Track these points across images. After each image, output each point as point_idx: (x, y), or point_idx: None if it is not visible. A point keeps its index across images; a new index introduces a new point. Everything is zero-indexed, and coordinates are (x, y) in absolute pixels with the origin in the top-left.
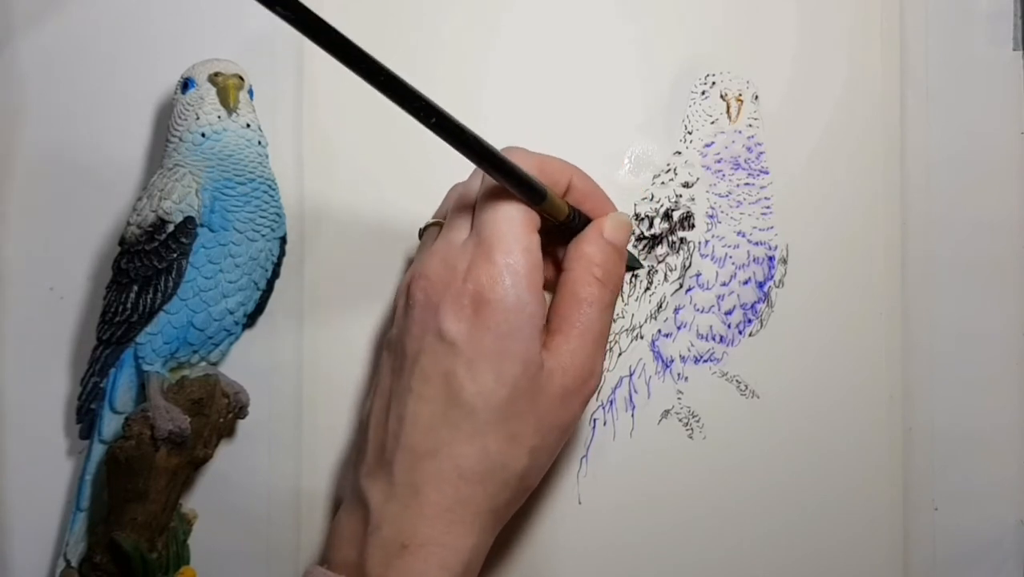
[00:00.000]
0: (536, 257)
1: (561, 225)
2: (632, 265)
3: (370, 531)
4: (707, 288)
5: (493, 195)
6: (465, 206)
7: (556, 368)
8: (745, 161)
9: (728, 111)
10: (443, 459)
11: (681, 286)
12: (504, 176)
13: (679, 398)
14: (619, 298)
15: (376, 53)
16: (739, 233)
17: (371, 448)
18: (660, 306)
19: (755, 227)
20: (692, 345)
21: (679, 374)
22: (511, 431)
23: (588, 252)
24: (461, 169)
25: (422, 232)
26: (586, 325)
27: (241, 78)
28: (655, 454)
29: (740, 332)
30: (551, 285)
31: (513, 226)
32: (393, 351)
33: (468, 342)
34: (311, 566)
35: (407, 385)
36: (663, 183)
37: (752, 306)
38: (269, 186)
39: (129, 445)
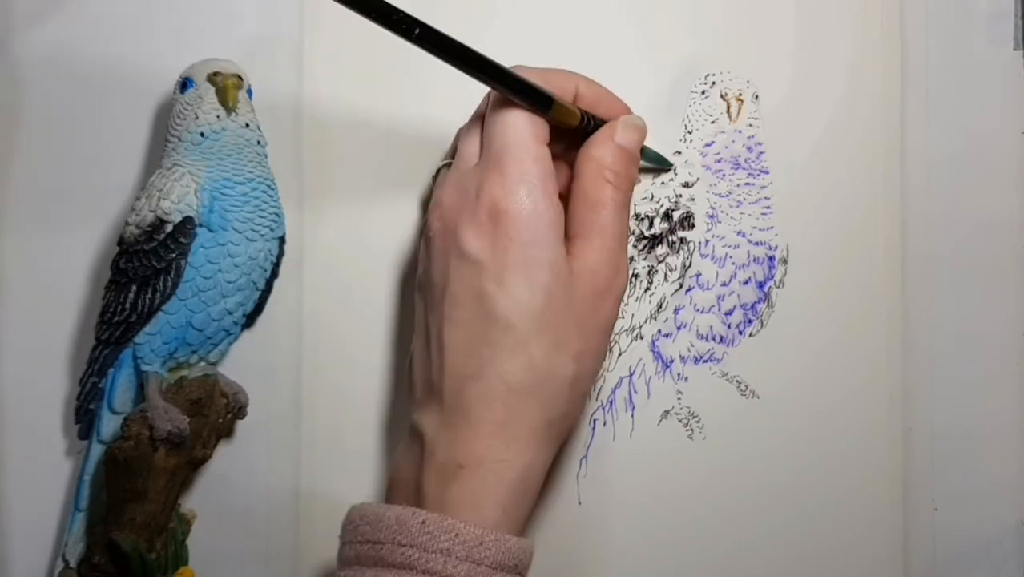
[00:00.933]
0: (548, 165)
1: (577, 131)
2: (661, 165)
3: (426, 457)
4: (707, 288)
5: (499, 110)
6: (472, 130)
7: (583, 270)
8: (745, 161)
9: (728, 111)
10: (489, 378)
11: (681, 286)
12: (505, 86)
13: (679, 398)
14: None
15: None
16: (739, 233)
17: (419, 384)
18: (660, 306)
19: (755, 227)
20: (692, 345)
21: (679, 374)
22: (553, 338)
23: (598, 155)
24: None
25: (435, 176)
26: (604, 226)
27: (240, 78)
28: (655, 454)
29: (740, 332)
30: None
31: (521, 136)
32: (422, 288)
33: (492, 256)
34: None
35: (441, 314)
36: (663, 183)
37: (752, 306)
38: (268, 186)
39: (128, 445)
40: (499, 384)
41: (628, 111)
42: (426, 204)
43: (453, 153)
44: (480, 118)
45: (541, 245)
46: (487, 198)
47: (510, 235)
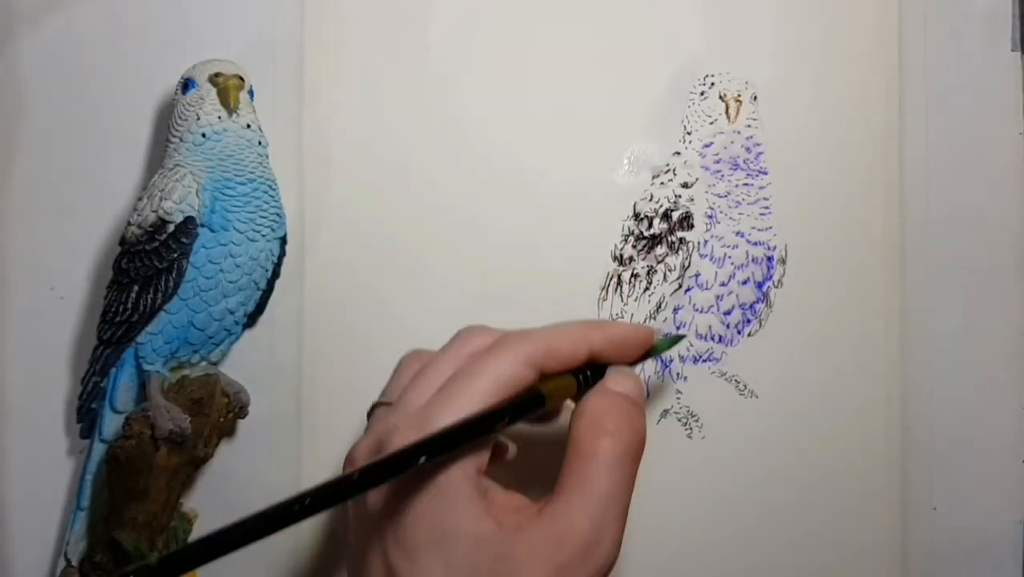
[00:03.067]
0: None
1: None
2: (674, 344)
3: None
4: (706, 288)
5: (461, 375)
6: (424, 386)
7: (545, 541)
8: (744, 161)
9: (727, 111)
10: None
11: (680, 286)
12: (489, 425)
13: (678, 398)
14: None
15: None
16: (738, 233)
17: None
18: (659, 306)
19: (754, 227)
20: (691, 345)
21: (678, 374)
22: None
23: (592, 404)
24: (460, 168)
25: (370, 414)
26: (591, 485)
27: (241, 78)
28: (654, 454)
29: (739, 332)
30: None
31: (469, 404)
32: (347, 551)
33: (399, 528)
34: None
35: None
36: (662, 183)
37: (751, 306)
38: (269, 186)
39: (130, 444)
40: None
41: (649, 334)
42: (427, 201)
43: (394, 391)
44: (435, 369)
45: (454, 515)
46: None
47: (416, 504)
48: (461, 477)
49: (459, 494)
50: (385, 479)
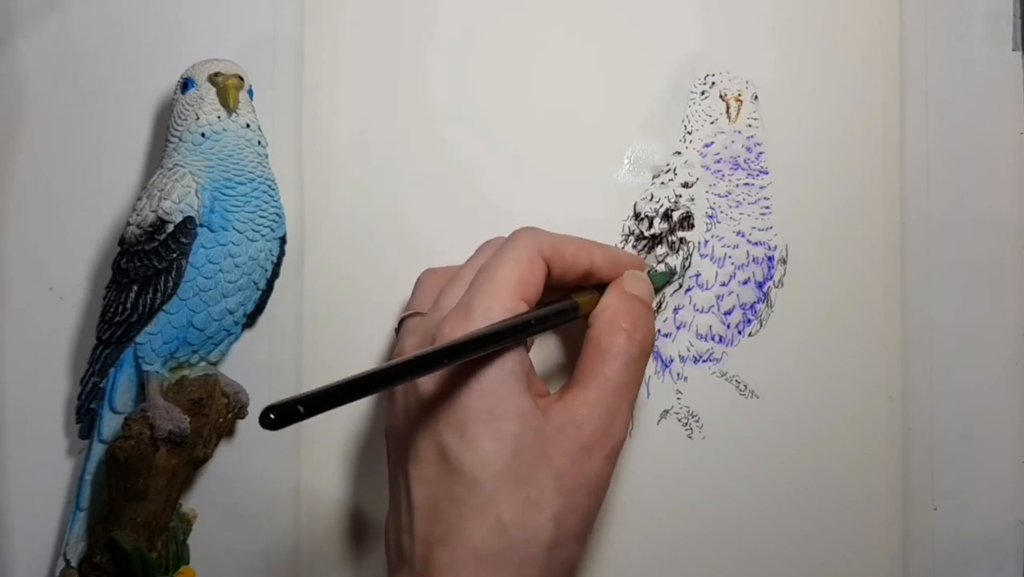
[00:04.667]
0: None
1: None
2: (670, 279)
3: None
4: (707, 288)
5: (492, 263)
6: (456, 282)
7: (567, 421)
8: (744, 161)
9: (727, 111)
10: (456, 544)
11: (680, 286)
12: (536, 326)
13: (678, 398)
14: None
15: (372, 53)
16: (738, 233)
17: (392, 548)
18: (659, 306)
19: (754, 227)
20: (691, 345)
21: (678, 374)
22: (526, 496)
23: (613, 304)
24: (460, 169)
25: (398, 328)
26: (606, 376)
27: (241, 78)
28: (654, 454)
29: (739, 332)
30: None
31: (499, 288)
32: (389, 440)
33: (452, 407)
34: None
35: (406, 472)
36: (663, 183)
37: (751, 306)
38: (269, 186)
39: (129, 445)
40: (467, 551)
41: (642, 265)
42: (426, 200)
43: (414, 303)
44: (463, 273)
45: (503, 393)
46: (445, 342)
47: (468, 382)
48: (511, 362)
49: (508, 376)
50: (440, 365)
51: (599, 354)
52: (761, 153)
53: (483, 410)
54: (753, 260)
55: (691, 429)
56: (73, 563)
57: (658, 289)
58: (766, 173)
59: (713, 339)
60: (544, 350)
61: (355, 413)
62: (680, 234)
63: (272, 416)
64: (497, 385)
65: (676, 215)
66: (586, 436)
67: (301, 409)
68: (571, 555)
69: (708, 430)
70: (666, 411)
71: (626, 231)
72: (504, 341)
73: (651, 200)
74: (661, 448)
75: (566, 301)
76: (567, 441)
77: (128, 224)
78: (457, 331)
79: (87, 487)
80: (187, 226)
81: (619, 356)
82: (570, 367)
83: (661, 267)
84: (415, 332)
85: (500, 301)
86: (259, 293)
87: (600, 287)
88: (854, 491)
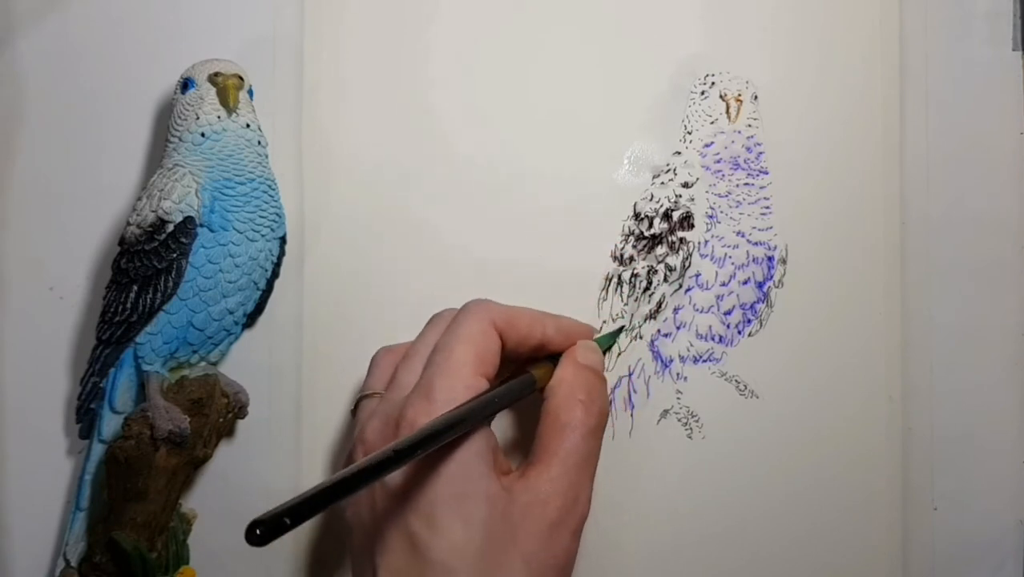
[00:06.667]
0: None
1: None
2: (613, 341)
3: None
4: (707, 288)
5: (446, 341)
6: (413, 359)
7: (533, 501)
8: (744, 161)
9: (727, 111)
10: None
11: (680, 286)
12: (492, 410)
13: (678, 398)
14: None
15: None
16: (738, 233)
17: None
18: (659, 306)
19: (754, 227)
20: (691, 345)
21: (678, 374)
22: None
23: (568, 377)
24: (458, 169)
25: (354, 410)
26: (567, 451)
27: (241, 78)
28: (654, 454)
29: (739, 332)
30: None
31: (458, 365)
32: (354, 529)
33: (419, 492)
34: None
35: (374, 563)
36: (663, 183)
37: (751, 306)
38: (269, 186)
39: (129, 445)
40: None
41: (591, 333)
42: (426, 201)
43: (371, 384)
44: (419, 349)
45: (470, 476)
46: (407, 428)
47: (438, 470)
48: (477, 444)
49: (476, 459)
50: (415, 455)
51: (558, 428)
52: (761, 153)
53: (451, 496)
54: (753, 260)
55: (691, 429)
56: (73, 563)
57: (606, 351)
58: (766, 173)
59: (713, 339)
60: (497, 421)
61: None
62: (680, 234)
63: (258, 532)
64: (465, 469)
65: (676, 215)
66: (552, 514)
67: (287, 521)
68: None
69: (708, 430)
70: (666, 411)
71: (626, 231)
72: (470, 424)
73: (651, 200)
74: (661, 448)
75: (524, 376)
76: (535, 521)
77: (128, 224)
78: (420, 415)
79: (87, 487)
80: (187, 226)
81: (578, 429)
82: (524, 438)
83: (616, 324)
84: (377, 415)
85: (461, 380)
86: (259, 293)
87: (552, 357)
88: (854, 491)
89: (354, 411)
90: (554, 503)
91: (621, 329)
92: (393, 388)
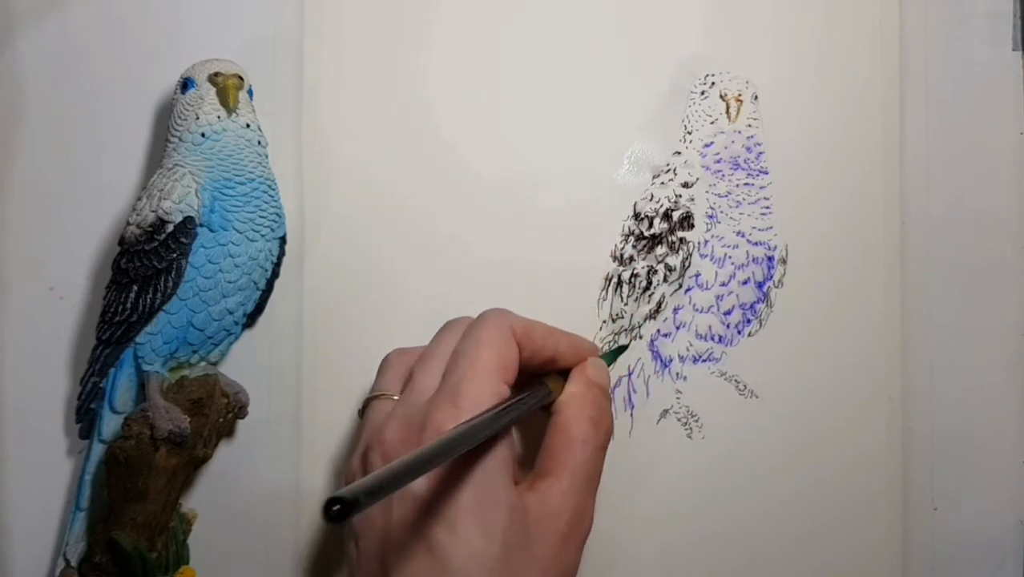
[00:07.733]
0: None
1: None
2: (619, 354)
3: None
4: (706, 288)
5: (467, 343)
6: (431, 362)
7: (545, 512)
8: (744, 161)
9: (727, 111)
10: None
11: (680, 286)
12: (515, 416)
13: (678, 398)
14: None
15: (372, 53)
16: (738, 233)
17: None
18: (659, 306)
19: (754, 227)
20: (691, 345)
21: (678, 374)
22: None
23: (580, 392)
24: (459, 169)
25: (362, 410)
26: (576, 465)
27: (241, 78)
28: (654, 453)
29: (739, 332)
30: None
31: (483, 370)
32: (365, 532)
33: (442, 498)
34: None
35: (385, 565)
36: (663, 183)
37: (751, 306)
38: (269, 186)
39: (129, 445)
40: None
41: (597, 351)
42: (426, 200)
43: (380, 385)
44: (436, 353)
45: (494, 486)
46: (434, 432)
47: (462, 477)
48: (502, 453)
49: (500, 468)
50: (443, 460)
51: (569, 442)
52: (761, 153)
53: (476, 504)
54: (753, 260)
55: (691, 429)
56: (73, 563)
57: (609, 362)
58: (766, 173)
59: (713, 339)
60: None
61: (354, 413)
62: (680, 234)
63: (336, 509)
64: (491, 478)
65: (676, 215)
66: (563, 527)
67: (362, 500)
68: None
69: (708, 430)
70: (666, 411)
71: (626, 231)
72: (495, 430)
73: (651, 200)
74: (661, 448)
75: (542, 387)
76: (547, 532)
77: (128, 224)
78: (448, 420)
79: (87, 487)
80: (187, 226)
81: (587, 444)
82: (522, 449)
83: (620, 340)
84: (396, 418)
85: (488, 386)
86: (259, 293)
87: (562, 372)
88: (854, 491)
89: (362, 411)
90: (565, 515)
91: (623, 348)
92: (411, 391)
